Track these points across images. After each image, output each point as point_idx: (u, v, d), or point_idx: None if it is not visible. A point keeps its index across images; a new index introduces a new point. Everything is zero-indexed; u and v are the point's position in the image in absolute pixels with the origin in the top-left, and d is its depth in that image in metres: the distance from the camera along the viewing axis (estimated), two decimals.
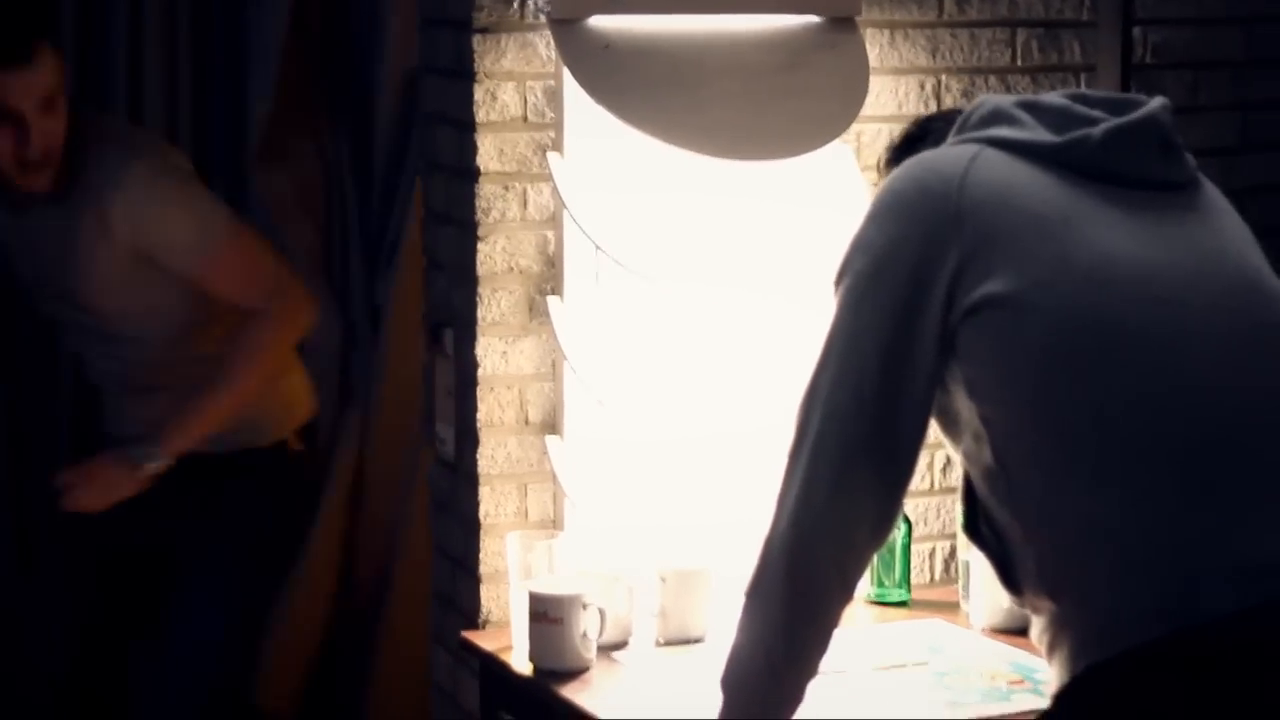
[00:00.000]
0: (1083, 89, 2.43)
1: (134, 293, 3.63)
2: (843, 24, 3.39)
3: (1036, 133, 2.35)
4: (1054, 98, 2.40)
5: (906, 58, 3.60)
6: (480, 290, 3.32)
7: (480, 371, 3.35)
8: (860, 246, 2.36)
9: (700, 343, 3.32)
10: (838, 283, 2.37)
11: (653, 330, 3.31)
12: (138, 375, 3.75)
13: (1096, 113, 2.36)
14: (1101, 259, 2.25)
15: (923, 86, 3.62)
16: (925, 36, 3.61)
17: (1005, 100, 2.42)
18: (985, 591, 3.20)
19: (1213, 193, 2.41)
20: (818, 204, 3.35)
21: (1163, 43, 3.74)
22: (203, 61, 4.57)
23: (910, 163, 2.38)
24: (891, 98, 3.59)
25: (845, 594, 2.36)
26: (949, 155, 2.36)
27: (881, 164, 2.70)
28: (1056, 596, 2.24)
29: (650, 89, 3.22)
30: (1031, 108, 2.38)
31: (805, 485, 2.32)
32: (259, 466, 3.80)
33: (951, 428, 2.36)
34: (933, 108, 3.62)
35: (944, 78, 3.63)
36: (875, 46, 3.51)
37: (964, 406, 2.31)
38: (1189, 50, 3.77)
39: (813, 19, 3.38)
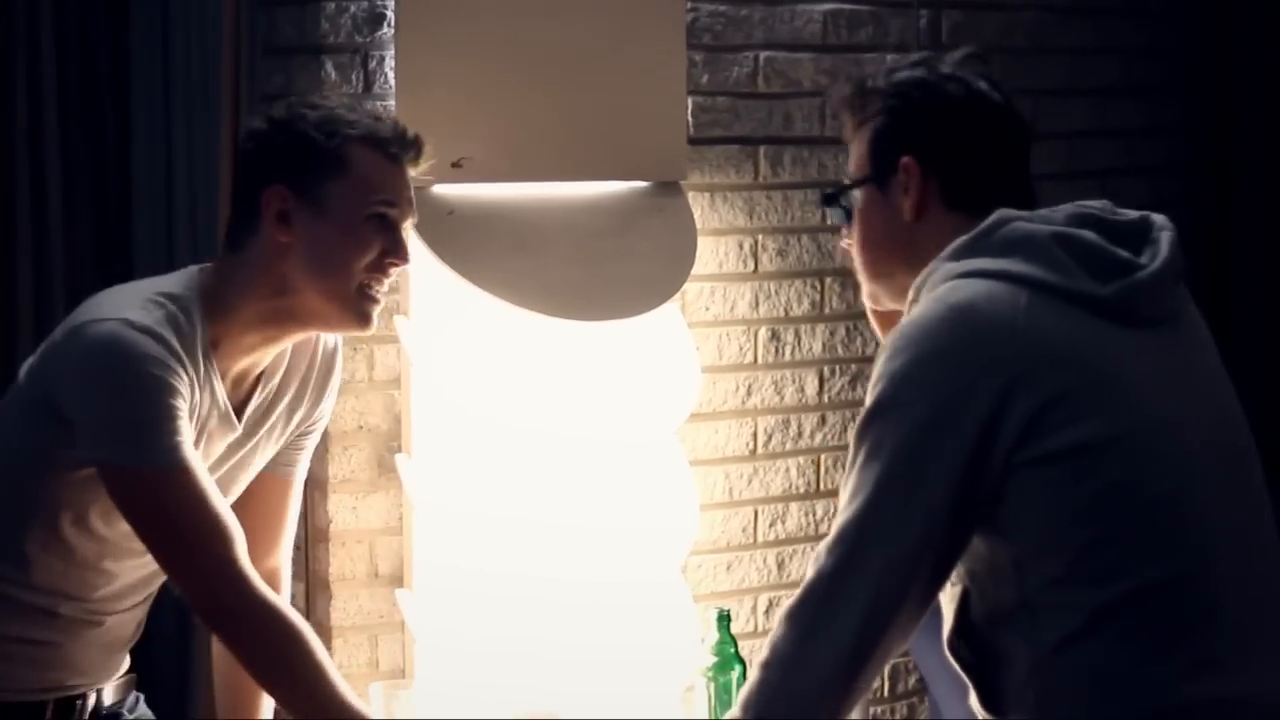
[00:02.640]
0: (1087, 204, 2.46)
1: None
2: (669, 188, 3.58)
3: (1080, 280, 2.36)
4: (1085, 234, 2.40)
5: (726, 219, 3.79)
6: (331, 449, 3.44)
7: (332, 527, 3.45)
8: (910, 388, 2.33)
9: (543, 490, 3.44)
10: (877, 418, 2.35)
11: (498, 475, 3.43)
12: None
13: (1123, 253, 2.40)
14: (1152, 423, 2.33)
15: (741, 246, 3.81)
16: (743, 198, 3.81)
17: (1039, 230, 2.40)
18: None
19: (1194, 316, 2.50)
20: (649, 359, 3.50)
21: None
22: None
23: (951, 306, 2.35)
24: (713, 257, 3.78)
25: None
26: (994, 300, 2.35)
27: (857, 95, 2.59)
28: None
29: (492, 252, 3.37)
30: (1067, 243, 2.38)
31: (860, 630, 2.33)
32: None
33: (960, 560, 2.40)
34: (750, 267, 3.82)
35: (760, 237, 3.83)
36: (696, 209, 3.69)
37: (990, 545, 2.36)
38: None
39: (641, 184, 3.56)
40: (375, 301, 2.77)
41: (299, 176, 2.73)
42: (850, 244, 2.61)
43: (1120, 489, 2.31)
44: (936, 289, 2.42)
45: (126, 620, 2.89)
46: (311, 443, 2.99)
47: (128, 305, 2.67)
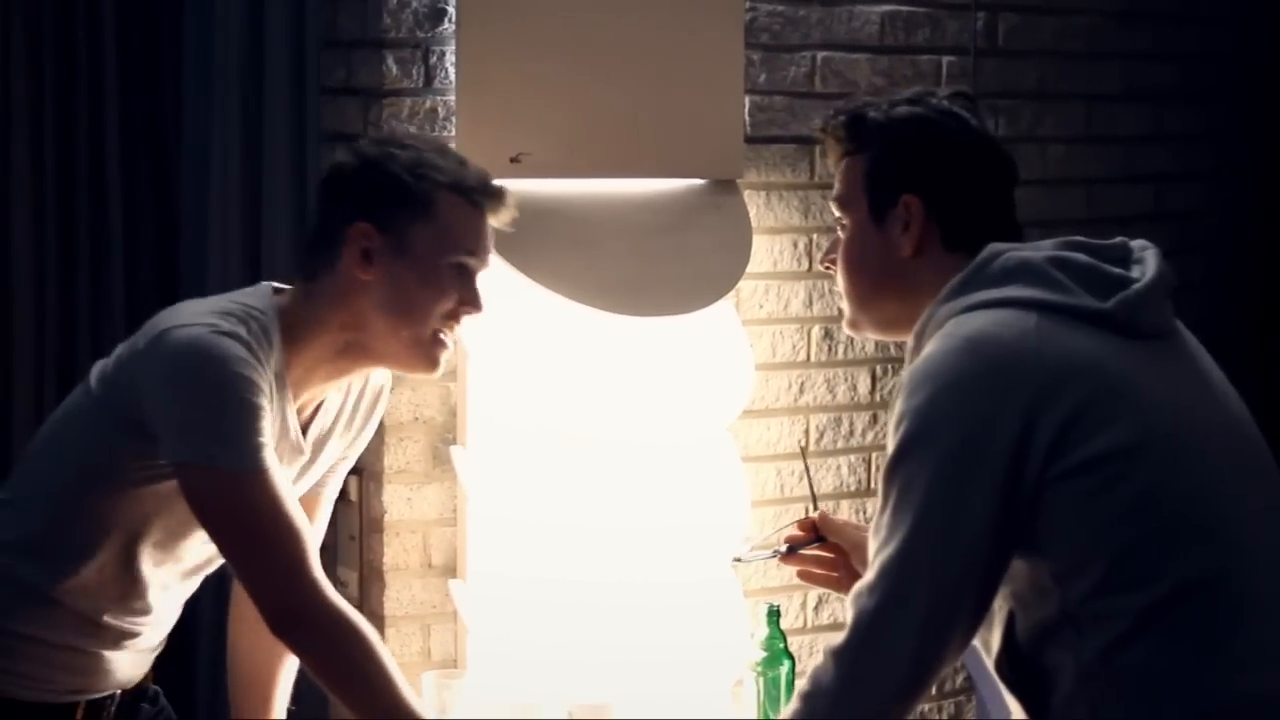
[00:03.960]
0: (1075, 238, 2.49)
1: None
2: (725, 186, 3.60)
3: (1081, 297, 2.41)
4: (1077, 256, 2.45)
5: (781, 218, 3.81)
6: (387, 440, 3.47)
7: (387, 517, 3.48)
8: (937, 421, 2.35)
9: (595, 485, 3.46)
10: (906, 457, 2.37)
11: (550, 474, 3.45)
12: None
13: (1115, 270, 2.45)
14: (1172, 425, 2.37)
15: (795, 245, 3.83)
16: (798, 197, 3.83)
17: (1033, 256, 2.45)
18: None
19: (1184, 330, 2.54)
20: (703, 356, 3.53)
21: None
22: None
23: (964, 338, 2.39)
24: (767, 255, 3.80)
25: None
26: (1005, 325, 2.39)
27: (840, 127, 2.62)
28: None
29: (549, 247, 3.39)
30: (1063, 266, 2.43)
31: (910, 667, 2.34)
32: None
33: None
34: (805, 266, 3.84)
35: (815, 236, 3.85)
36: (752, 207, 3.72)
37: (1028, 564, 2.37)
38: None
39: (698, 182, 3.58)
40: (445, 347, 2.79)
41: (385, 216, 2.74)
42: (833, 269, 2.64)
43: (1151, 491, 2.34)
44: (942, 327, 2.45)
45: (162, 629, 2.92)
46: (345, 468, 3.00)
47: (210, 314, 2.69)
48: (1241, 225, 4.93)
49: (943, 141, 2.56)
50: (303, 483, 2.90)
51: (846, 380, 3.92)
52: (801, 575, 2.96)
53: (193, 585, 2.91)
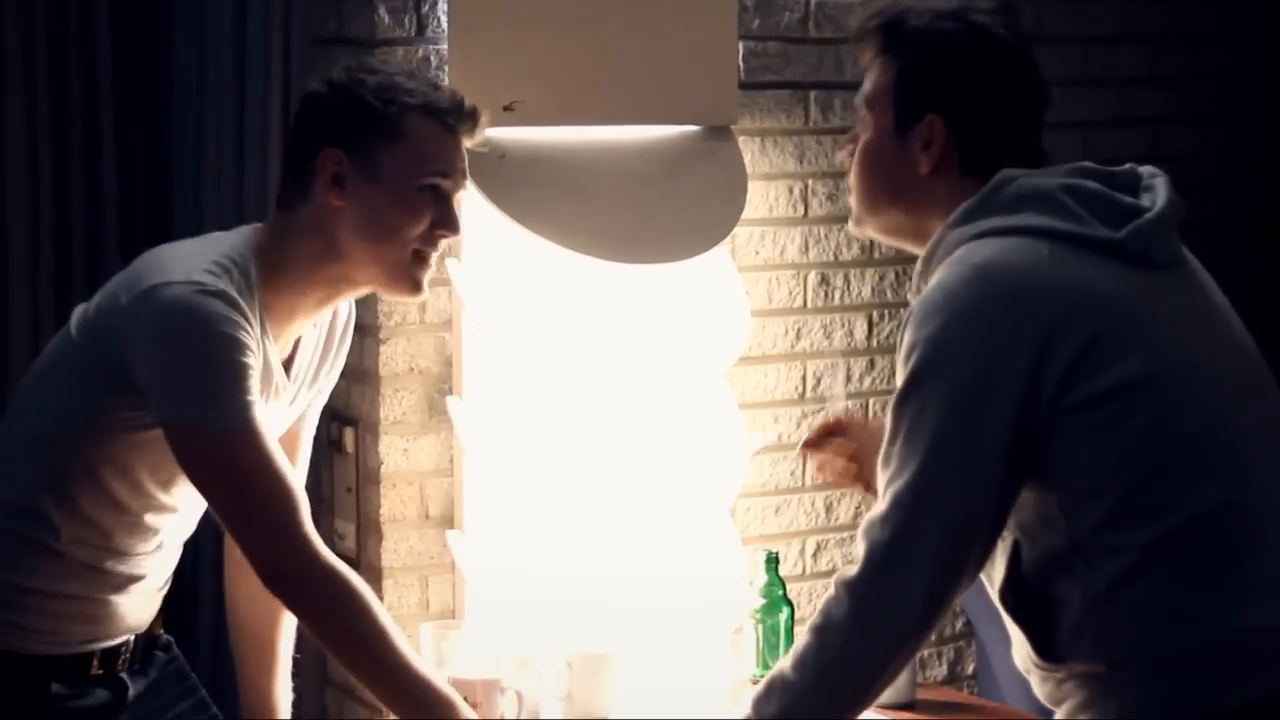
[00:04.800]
0: (1085, 163, 2.48)
1: None
2: (720, 132, 3.59)
3: (1094, 227, 2.41)
4: (1089, 184, 2.44)
5: (776, 164, 3.80)
6: (383, 391, 3.46)
7: (383, 469, 3.48)
8: (949, 350, 2.35)
9: (592, 432, 3.46)
10: (918, 386, 2.36)
11: (548, 425, 3.45)
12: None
13: (1127, 199, 2.45)
14: (1184, 359, 2.37)
15: (791, 190, 3.82)
16: (793, 143, 3.81)
17: (1045, 183, 2.44)
18: None
19: (1193, 259, 2.53)
20: (699, 302, 3.52)
21: None
22: None
23: (976, 265, 2.38)
24: (763, 201, 3.78)
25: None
26: (1018, 253, 2.38)
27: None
28: (1116, 667, 2.36)
29: (544, 196, 3.38)
30: (1075, 193, 2.43)
31: (927, 597, 2.34)
32: None
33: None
34: (800, 211, 3.82)
35: (810, 182, 3.83)
36: (747, 153, 3.70)
37: (1037, 494, 2.38)
38: None
39: (692, 128, 3.56)
40: (427, 266, 2.79)
41: (355, 141, 2.74)
42: (849, 160, 2.63)
43: (1162, 425, 2.34)
44: (952, 253, 2.44)
45: (166, 569, 2.92)
46: (320, 402, 3.01)
47: (195, 268, 2.67)
48: (1239, 167, 4.91)
49: (977, 64, 2.54)
50: (287, 417, 2.90)
51: (843, 325, 3.91)
52: (821, 470, 2.95)
53: (192, 521, 2.90)
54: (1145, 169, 2.52)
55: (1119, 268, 2.40)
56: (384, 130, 2.74)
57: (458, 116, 2.77)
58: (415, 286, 2.79)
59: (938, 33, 2.55)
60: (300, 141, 2.80)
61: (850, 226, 2.68)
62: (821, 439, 2.92)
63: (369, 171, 2.73)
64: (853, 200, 2.64)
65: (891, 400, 2.40)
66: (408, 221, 2.75)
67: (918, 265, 2.53)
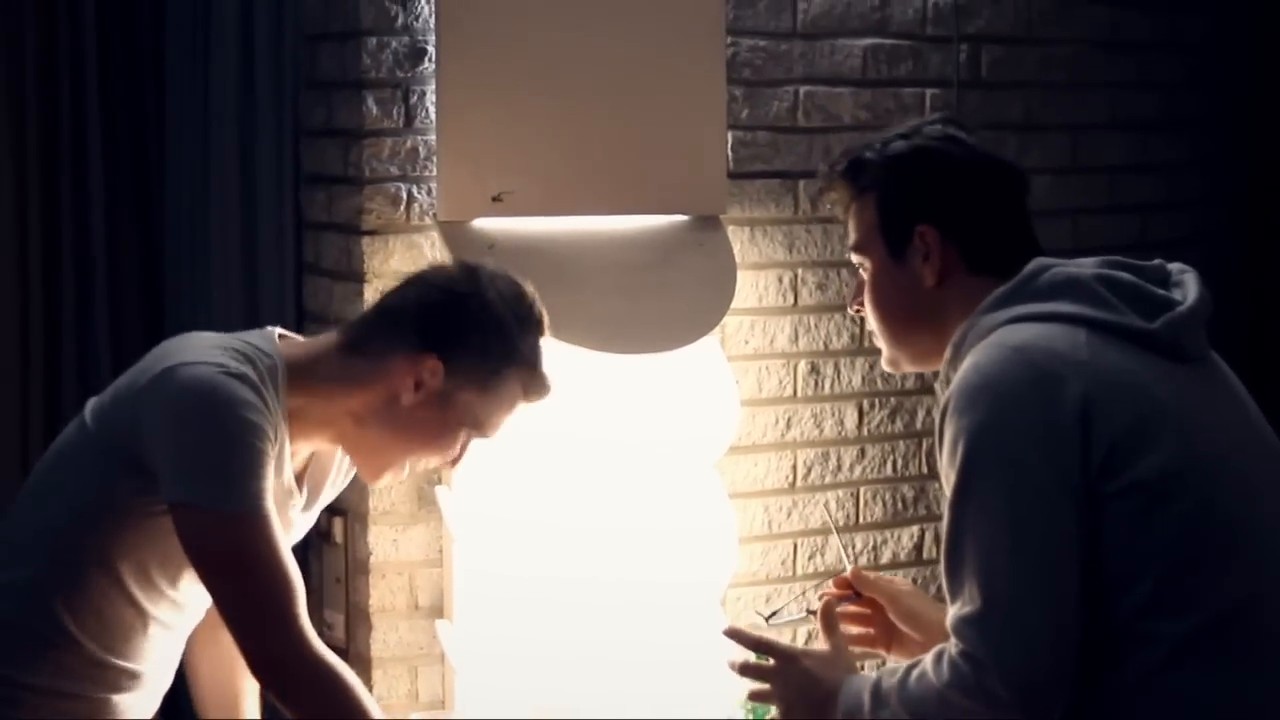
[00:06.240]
0: (1116, 257, 2.50)
1: None
2: (709, 222, 3.59)
3: (1128, 317, 2.42)
4: (1123, 275, 2.46)
5: (765, 253, 3.81)
6: None
7: (372, 559, 3.47)
8: (1002, 432, 2.33)
9: (584, 525, 3.45)
10: (976, 473, 2.33)
11: (537, 515, 3.43)
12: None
13: (1160, 291, 2.46)
14: (1214, 450, 2.37)
15: (780, 280, 3.82)
16: (782, 232, 3.82)
17: (1080, 272, 2.45)
18: None
19: (1217, 356, 2.55)
20: (689, 392, 3.51)
21: None
22: None
23: (1014, 347, 2.37)
24: (752, 290, 3.79)
25: None
26: (1054, 338, 2.38)
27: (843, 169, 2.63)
28: None
29: (534, 287, 3.37)
30: (1110, 284, 2.44)
31: (1052, 676, 2.31)
32: None
33: None
34: (790, 300, 3.83)
35: (800, 271, 3.84)
36: (736, 243, 3.71)
37: None
38: None
39: (681, 218, 3.57)
40: (400, 475, 2.84)
41: (455, 367, 2.75)
42: (862, 311, 2.65)
43: (1197, 515, 2.35)
44: (985, 337, 2.44)
45: (167, 670, 2.89)
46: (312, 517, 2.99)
47: (218, 350, 2.66)
48: (1228, 253, 4.93)
49: (944, 166, 2.57)
50: (295, 530, 2.88)
51: (834, 415, 3.91)
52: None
53: (193, 623, 2.88)
54: (1174, 265, 2.53)
55: (1151, 358, 2.41)
56: (481, 377, 2.76)
57: (540, 395, 2.82)
58: (378, 482, 2.88)
59: (897, 153, 2.59)
60: (411, 320, 2.78)
61: (886, 367, 2.68)
62: (832, 612, 2.72)
63: (443, 397, 2.75)
64: (880, 342, 2.65)
65: (948, 496, 2.37)
66: (436, 453, 2.81)
67: (946, 353, 2.52)
